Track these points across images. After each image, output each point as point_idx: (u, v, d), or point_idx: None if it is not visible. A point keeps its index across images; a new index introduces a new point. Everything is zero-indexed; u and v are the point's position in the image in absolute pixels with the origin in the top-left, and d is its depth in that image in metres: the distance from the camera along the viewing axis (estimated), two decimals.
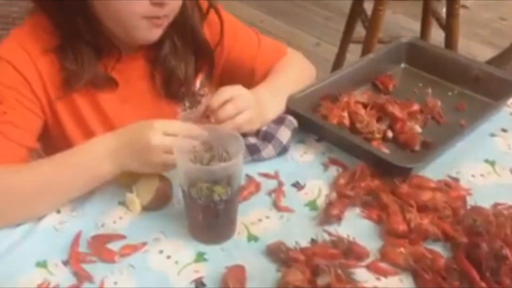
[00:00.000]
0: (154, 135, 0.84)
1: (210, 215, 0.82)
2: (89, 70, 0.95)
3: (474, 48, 2.91)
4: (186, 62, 1.04)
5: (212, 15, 1.07)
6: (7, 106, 0.91)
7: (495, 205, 0.89)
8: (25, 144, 0.93)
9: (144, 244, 0.84)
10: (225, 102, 0.92)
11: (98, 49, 0.96)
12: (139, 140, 0.85)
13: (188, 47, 1.04)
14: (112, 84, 0.99)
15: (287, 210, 0.91)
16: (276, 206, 0.92)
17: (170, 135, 0.84)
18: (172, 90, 1.04)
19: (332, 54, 2.60)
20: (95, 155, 0.88)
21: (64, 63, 0.94)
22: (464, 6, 3.36)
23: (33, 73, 0.93)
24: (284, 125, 1.01)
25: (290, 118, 1.03)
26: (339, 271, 0.75)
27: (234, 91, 0.94)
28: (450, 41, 2.12)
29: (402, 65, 1.27)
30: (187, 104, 1.08)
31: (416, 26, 2.61)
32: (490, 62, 2.08)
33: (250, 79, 1.12)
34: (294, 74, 1.11)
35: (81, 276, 0.79)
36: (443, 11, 2.32)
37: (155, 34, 0.95)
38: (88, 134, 0.99)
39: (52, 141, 1.00)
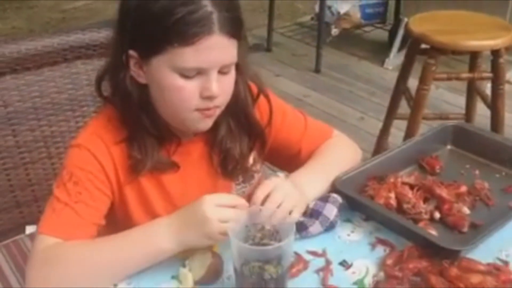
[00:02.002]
0: (207, 207, 0.91)
1: None
2: (152, 158, 1.03)
3: None
4: (240, 142, 1.10)
5: (262, 98, 1.13)
6: (82, 187, 0.99)
7: None
8: (95, 221, 1.00)
9: None
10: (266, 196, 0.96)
11: (160, 138, 1.04)
12: (195, 215, 0.92)
13: (242, 129, 1.10)
14: (174, 167, 1.06)
15: None
16: (324, 284, 0.94)
17: (222, 206, 0.91)
18: (228, 169, 1.10)
19: (375, 128, 2.65)
20: (156, 233, 0.94)
21: (131, 152, 1.02)
22: (508, 82, 3.38)
23: (107, 160, 1.02)
24: (329, 202, 1.05)
25: (334, 195, 1.07)
26: None
27: (271, 185, 0.98)
28: (496, 119, 2.14)
29: (448, 146, 1.29)
30: (240, 179, 1.13)
31: (460, 100, 2.63)
32: None
33: (295, 159, 1.18)
34: (336, 156, 1.16)
35: None
36: (487, 87, 2.35)
37: (207, 124, 1.03)
38: (150, 212, 1.06)
39: (115, 219, 1.06)
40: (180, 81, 0.95)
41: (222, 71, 0.97)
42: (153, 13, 0.92)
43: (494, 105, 2.14)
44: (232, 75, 1.00)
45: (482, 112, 2.43)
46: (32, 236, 1.48)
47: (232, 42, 0.96)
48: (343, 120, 3.03)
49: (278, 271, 0.83)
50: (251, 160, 1.14)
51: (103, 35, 1.46)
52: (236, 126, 1.10)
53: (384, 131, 2.43)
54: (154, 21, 0.93)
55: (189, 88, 0.96)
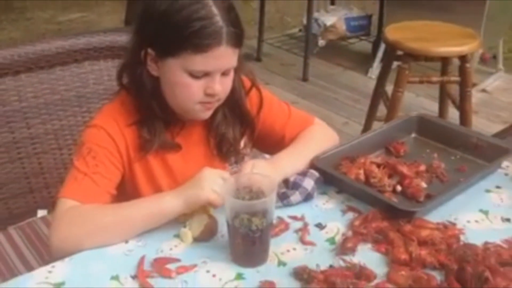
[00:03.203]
0: (206, 170, 1.12)
1: (248, 242, 1.03)
2: (159, 139, 1.21)
3: (495, 128, 3.10)
4: (234, 128, 1.29)
5: (253, 92, 1.32)
6: (99, 161, 1.17)
7: (485, 243, 1.07)
8: (109, 190, 1.17)
9: (195, 265, 1.05)
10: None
11: (166, 122, 1.22)
12: (195, 178, 1.11)
13: (235, 116, 1.29)
14: (177, 148, 1.25)
15: (311, 243, 1.11)
16: (302, 240, 1.12)
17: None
18: (223, 151, 1.29)
19: (359, 132, 2.82)
20: (160, 198, 1.13)
21: (142, 133, 1.20)
22: (484, 90, 3.60)
23: (120, 139, 1.20)
24: (307, 177, 1.24)
25: (312, 171, 1.25)
26: None
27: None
28: (464, 119, 2.34)
29: (413, 135, 1.48)
30: (233, 160, 1.32)
31: (437, 107, 2.84)
32: (495, 135, 2.27)
33: (280, 143, 1.36)
34: (314, 139, 1.35)
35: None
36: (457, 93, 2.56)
37: (206, 114, 1.22)
38: (156, 186, 1.23)
39: (125, 192, 1.23)
40: (189, 80, 1.14)
41: (224, 73, 1.16)
42: (174, 23, 1.11)
43: (462, 107, 2.34)
44: (231, 75, 1.20)
45: (454, 116, 2.63)
46: (43, 219, 1.64)
47: (235, 51, 1.15)
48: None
49: (263, 223, 1.01)
50: (242, 144, 1.33)
51: (109, 39, 1.64)
52: (230, 114, 1.29)
53: (365, 131, 2.62)
54: (174, 29, 1.11)
55: (196, 86, 1.15)
